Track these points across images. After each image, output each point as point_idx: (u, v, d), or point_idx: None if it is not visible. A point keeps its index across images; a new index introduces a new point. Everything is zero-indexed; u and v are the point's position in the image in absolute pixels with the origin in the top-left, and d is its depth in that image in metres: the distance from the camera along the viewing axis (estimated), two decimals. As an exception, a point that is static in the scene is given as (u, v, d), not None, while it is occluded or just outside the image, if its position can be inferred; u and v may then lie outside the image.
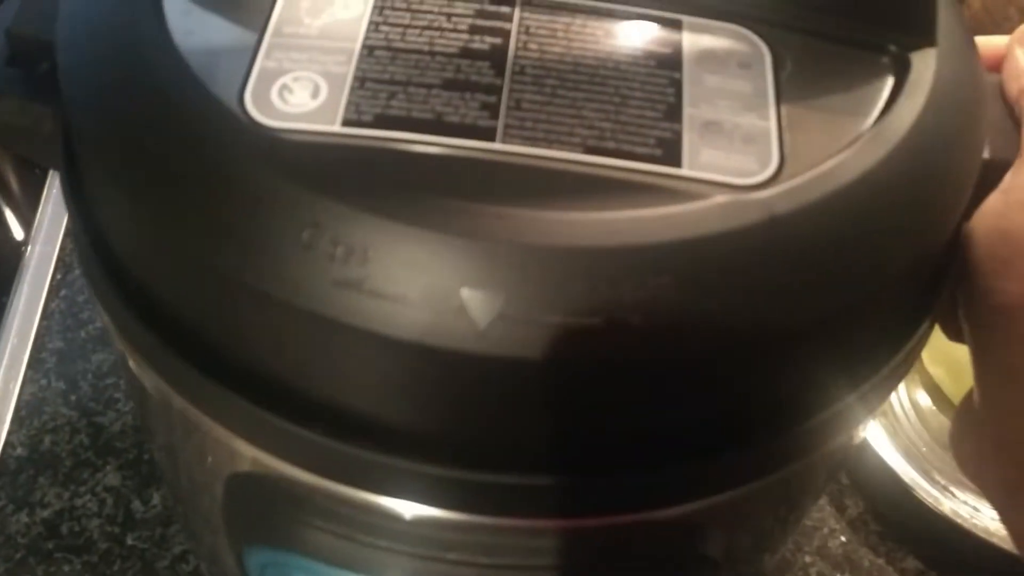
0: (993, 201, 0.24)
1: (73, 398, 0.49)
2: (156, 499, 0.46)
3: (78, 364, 0.50)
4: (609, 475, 0.22)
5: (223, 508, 0.27)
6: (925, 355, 0.47)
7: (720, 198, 0.21)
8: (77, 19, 0.25)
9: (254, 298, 0.21)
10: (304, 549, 0.25)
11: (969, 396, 0.27)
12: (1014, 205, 0.24)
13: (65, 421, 0.48)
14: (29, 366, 0.50)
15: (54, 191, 0.56)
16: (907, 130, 0.22)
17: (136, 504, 0.46)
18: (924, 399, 0.49)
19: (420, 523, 0.23)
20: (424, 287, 0.20)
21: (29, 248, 0.54)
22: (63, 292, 0.53)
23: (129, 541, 0.45)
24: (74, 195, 0.25)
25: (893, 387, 0.26)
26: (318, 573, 0.26)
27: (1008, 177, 0.24)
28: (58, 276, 0.54)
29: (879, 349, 0.24)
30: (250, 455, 0.24)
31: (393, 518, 0.23)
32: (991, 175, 0.25)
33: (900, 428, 0.48)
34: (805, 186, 0.21)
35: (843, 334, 0.22)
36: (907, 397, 0.49)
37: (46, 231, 0.55)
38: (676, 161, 0.22)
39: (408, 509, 0.23)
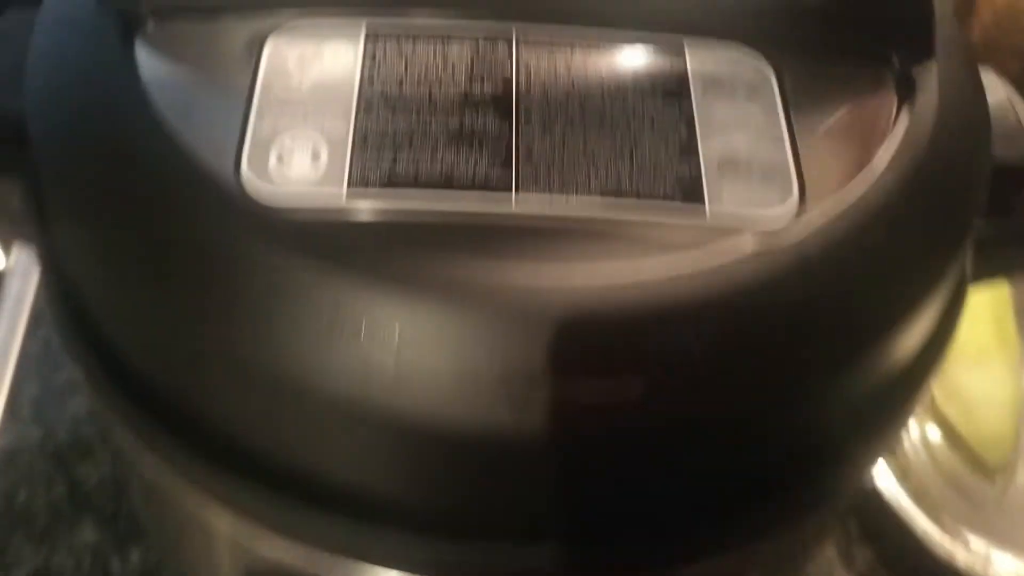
0: None
1: (50, 448, 0.47)
2: (135, 556, 0.44)
3: (54, 411, 0.48)
4: (644, 539, 0.21)
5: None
6: (938, 393, 0.46)
7: (749, 245, 0.20)
8: (47, 88, 0.23)
9: (276, 386, 0.20)
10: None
11: None
12: None
13: (42, 472, 0.46)
14: (4, 414, 0.48)
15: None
16: (921, 153, 0.22)
17: (115, 562, 0.44)
18: (936, 438, 0.47)
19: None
20: (459, 364, 0.19)
21: (4, 290, 0.51)
22: (39, 332, 0.51)
23: (109, 600, 0.43)
24: (57, 280, 0.24)
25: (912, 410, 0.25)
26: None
27: None
28: (33, 319, 0.51)
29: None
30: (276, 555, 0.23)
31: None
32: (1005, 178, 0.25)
33: (910, 469, 0.46)
34: (831, 225, 0.21)
35: (879, 366, 0.22)
36: (919, 437, 0.47)
37: (20, 273, 0.52)
38: (699, 200, 0.21)
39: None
